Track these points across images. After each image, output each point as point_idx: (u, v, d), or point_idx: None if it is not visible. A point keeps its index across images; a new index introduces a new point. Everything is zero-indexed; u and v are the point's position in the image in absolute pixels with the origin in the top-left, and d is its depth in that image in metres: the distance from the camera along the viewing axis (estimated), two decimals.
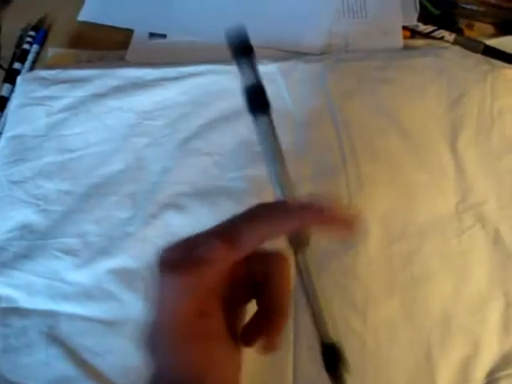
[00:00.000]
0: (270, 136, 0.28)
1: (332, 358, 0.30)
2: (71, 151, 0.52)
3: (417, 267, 0.45)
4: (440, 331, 0.43)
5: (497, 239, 0.46)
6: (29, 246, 0.48)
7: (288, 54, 0.57)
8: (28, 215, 0.50)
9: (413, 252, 0.45)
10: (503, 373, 0.41)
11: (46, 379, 0.43)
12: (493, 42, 0.56)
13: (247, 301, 0.31)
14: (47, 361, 0.44)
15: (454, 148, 0.50)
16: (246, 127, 0.52)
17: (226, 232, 0.26)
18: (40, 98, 0.55)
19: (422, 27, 0.58)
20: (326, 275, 0.45)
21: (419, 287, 0.44)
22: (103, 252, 0.47)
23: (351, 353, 0.42)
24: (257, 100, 0.28)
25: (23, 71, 0.60)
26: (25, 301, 0.47)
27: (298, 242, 0.28)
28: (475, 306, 0.44)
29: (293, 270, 0.29)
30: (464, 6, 0.60)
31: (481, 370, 0.42)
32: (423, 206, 0.47)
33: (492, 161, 0.49)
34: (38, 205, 0.50)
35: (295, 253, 0.29)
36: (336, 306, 0.44)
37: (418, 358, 0.42)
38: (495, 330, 0.43)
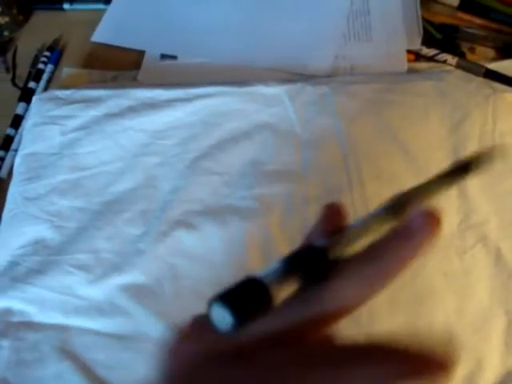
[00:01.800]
0: None
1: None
2: (84, 169, 0.54)
3: (420, 285, 0.46)
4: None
5: (498, 258, 0.47)
6: (42, 261, 0.50)
7: (295, 76, 0.59)
8: (42, 231, 0.51)
9: (416, 270, 0.47)
10: None
11: None
12: (494, 66, 0.58)
13: None
14: (59, 375, 0.45)
15: None
16: (254, 148, 0.54)
17: None
18: (55, 117, 0.57)
19: (425, 51, 0.60)
20: None
21: (422, 305, 0.46)
22: (115, 268, 0.49)
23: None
24: None
25: (38, 90, 0.62)
26: (37, 315, 0.48)
27: None
28: (478, 323, 0.45)
29: None
30: (466, 30, 0.62)
31: None
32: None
33: (494, 182, 0.51)
34: (51, 221, 0.51)
35: None
36: (342, 325, 0.45)
37: None
38: (498, 347, 0.44)
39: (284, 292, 0.20)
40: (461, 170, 0.26)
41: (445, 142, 0.53)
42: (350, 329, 0.44)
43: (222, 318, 0.18)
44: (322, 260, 0.21)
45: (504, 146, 0.52)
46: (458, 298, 0.46)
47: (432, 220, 0.23)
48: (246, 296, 0.18)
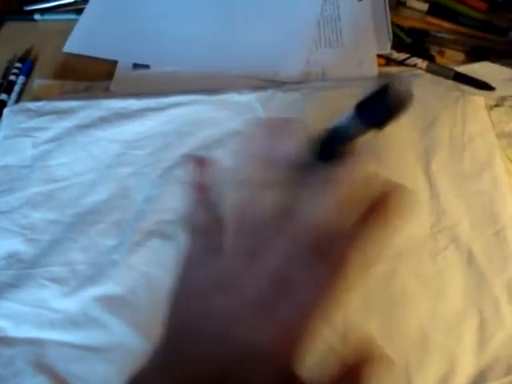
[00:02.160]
0: None
1: None
2: (57, 181, 0.53)
3: (394, 288, 0.47)
4: (417, 350, 0.44)
5: (470, 259, 0.48)
6: (16, 275, 0.49)
7: (267, 83, 0.59)
8: (15, 244, 0.51)
9: (389, 274, 0.47)
10: None
11: None
12: (463, 69, 0.58)
13: None
14: None
15: (427, 172, 0.52)
16: (227, 155, 0.54)
17: None
18: (26, 130, 0.56)
19: (395, 55, 0.60)
20: None
21: (396, 308, 0.46)
22: (90, 280, 0.48)
23: (331, 372, 0.44)
24: None
25: (10, 102, 0.61)
26: (12, 330, 0.47)
27: None
28: (451, 324, 0.45)
29: None
30: (435, 34, 0.63)
31: None
32: (399, 228, 0.49)
33: (464, 183, 0.51)
34: (24, 234, 0.51)
35: None
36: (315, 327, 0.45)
37: (396, 379, 0.44)
38: (471, 347, 0.44)
39: None
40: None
41: (416, 144, 0.53)
42: (327, 336, 0.45)
43: None
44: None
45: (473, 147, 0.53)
46: (431, 300, 0.46)
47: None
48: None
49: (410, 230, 0.49)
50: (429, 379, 0.43)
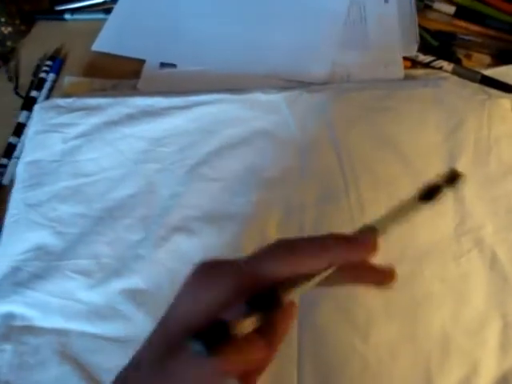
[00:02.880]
0: None
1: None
2: (85, 176, 0.55)
3: (416, 289, 0.47)
4: (439, 352, 0.44)
5: (494, 262, 0.48)
6: (44, 266, 0.50)
7: (292, 83, 0.60)
8: (43, 237, 0.52)
9: (412, 274, 0.47)
10: None
11: None
12: (490, 72, 0.58)
13: None
14: (60, 378, 0.46)
15: None
16: (252, 154, 0.54)
17: None
18: (56, 125, 0.58)
19: (421, 57, 0.60)
20: (329, 299, 0.46)
21: (419, 309, 0.46)
22: (115, 273, 0.49)
23: (354, 372, 0.44)
24: None
25: (40, 99, 0.63)
26: (39, 320, 0.48)
27: None
28: (474, 327, 0.45)
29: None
30: (462, 37, 0.63)
31: None
32: (422, 231, 0.49)
33: (489, 186, 0.51)
34: (53, 227, 0.52)
35: None
36: (339, 328, 0.45)
37: (418, 378, 0.44)
38: (493, 350, 0.44)
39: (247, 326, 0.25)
40: (430, 193, 0.31)
41: (441, 147, 0.53)
42: (349, 333, 0.45)
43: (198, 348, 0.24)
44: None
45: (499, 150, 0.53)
46: (454, 303, 0.46)
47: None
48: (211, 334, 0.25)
49: (433, 232, 0.49)
50: (451, 381, 0.43)
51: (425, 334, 0.45)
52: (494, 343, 0.45)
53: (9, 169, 0.58)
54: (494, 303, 0.46)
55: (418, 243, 0.49)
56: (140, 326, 0.47)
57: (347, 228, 0.49)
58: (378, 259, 0.47)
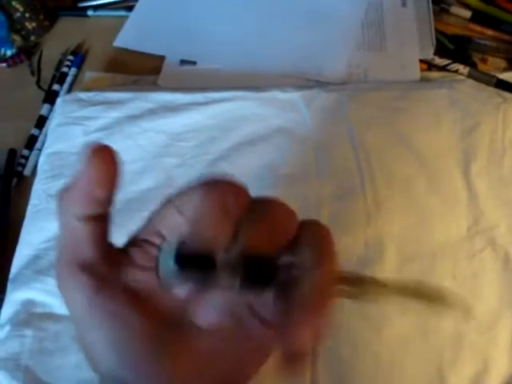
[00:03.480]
0: None
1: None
2: None
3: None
4: (452, 348, 0.45)
5: (506, 262, 0.48)
6: None
7: (310, 82, 0.61)
8: None
9: (426, 272, 0.48)
10: None
11: (78, 381, 0.46)
12: (505, 76, 0.59)
13: None
14: (78, 364, 0.46)
15: (466, 175, 0.52)
16: (270, 151, 0.55)
17: None
18: (78, 118, 0.59)
19: (437, 60, 0.61)
20: None
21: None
22: None
23: (366, 367, 0.45)
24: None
25: (61, 93, 0.64)
26: (58, 307, 0.49)
27: None
28: (486, 325, 0.46)
29: None
30: (478, 41, 0.63)
31: None
32: (436, 229, 0.50)
33: (503, 188, 0.52)
34: None
35: None
36: (353, 322, 0.46)
37: (430, 374, 0.44)
38: (505, 348, 0.45)
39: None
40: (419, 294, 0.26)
41: (455, 148, 0.54)
42: (363, 328, 0.46)
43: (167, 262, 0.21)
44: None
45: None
46: (466, 300, 0.47)
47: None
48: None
49: (447, 231, 0.50)
50: (462, 377, 0.44)
51: (437, 330, 0.46)
52: (505, 341, 0.45)
53: (30, 160, 0.60)
54: (506, 302, 0.47)
55: (432, 241, 0.49)
56: None
57: (363, 225, 0.50)
58: (393, 256, 0.49)
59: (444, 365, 0.44)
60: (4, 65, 0.67)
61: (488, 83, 0.59)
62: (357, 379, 0.45)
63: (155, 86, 0.63)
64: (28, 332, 0.48)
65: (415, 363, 0.45)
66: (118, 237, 0.52)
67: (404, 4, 0.66)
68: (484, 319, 0.46)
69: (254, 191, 0.53)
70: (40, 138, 0.61)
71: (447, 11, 0.66)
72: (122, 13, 0.71)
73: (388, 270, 0.48)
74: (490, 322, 0.46)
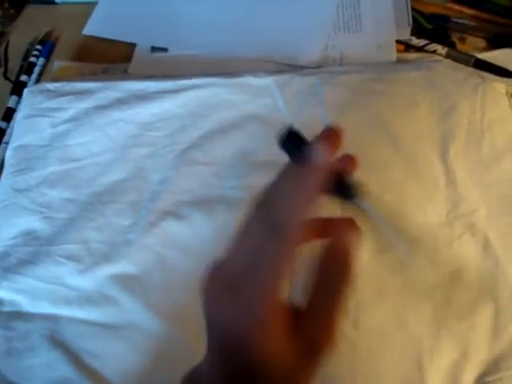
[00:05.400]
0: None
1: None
2: (74, 161, 0.54)
3: (407, 273, 0.46)
4: (430, 336, 0.44)
5: (486, 246, 0.47)
6: (32, 251, 0.50)
7: (284, 67, 0.59)
8: (32, 222, 0.51)
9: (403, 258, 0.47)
10: (493, 377, 0.42)
11: (48, 381, 0.45)
12: (484, 56, 0.58)
13: None
14: (49, 363, 0.45)
15: (444, 158, 0.51)
16: (243, 138, 0.54)
17: None
18: (45, 110, 0.57)
19: (415, 41, 0.60)
20: None
21: (410, 293, 0.46)
22: (105, 258, 0.49)
23: (343, 358, 0.44)
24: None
25: (29, 83, 0.62)
26: (28, 305, 0.48)
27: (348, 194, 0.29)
28: (465, 311, 0.45)
29: None
30: (456, 20, 0.62)
31: (470, 375, 0.43)
32: (414, 215, 0.49)
33: (482, 171, 0.51)
34: (41, 212, 0.52)
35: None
36: None
37: (408, 363, 0.43)
38: (485, 335, 0.44)
39: None
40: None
41: (433, 130, 0.53)
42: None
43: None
44: None
45: (492, 135, 0.52)
46: (445, 287, 0.46)
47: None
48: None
49: (425, 216, 0.49)
50: (441, 365, 0.43)
51: (415, 318, 0.45)
52: (485, 328, 0.44)
53: None
54: (486, 288, 0.46)
55: (410, 227, 0.48)
56: (129, 311, 0.47)
57: (338, 211, 0.49)
58: (370, 243, 0.47)
59: (423, 353, 0.43)
60: None
61: (467, 63, 0.57)
62: (334, 371, 0.44)
63: (125, 75, 0.61)
64: None
65: (393, 353, 0.44)
66: (88, 230, 0.51)
67: None
68: (463, 306, 0.45)
69: (227, 179, 0.52)
70: (8, 131, 0.59)
71: None
72: None
73: (365, 258, 0.47)
74: (470, 309, 0.45)
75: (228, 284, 0.25)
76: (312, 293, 0.28)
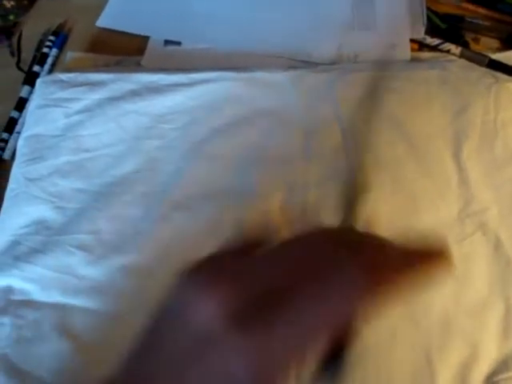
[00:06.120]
0: None
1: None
2: (87, 151, 0.54)
3: None
4: (440, 334, 0.44)
5: (497, 246, 0.47)
6: (43, 241, 0.50)
7: (298, 63, 0.59)
8: (43, 212, 0.51)
9: None
10: (502, 376, 0.42)
11: (56, 370, 0.45)
12: (498, 56, 0.57)
13: None
14: (58, 352, 0.45)
15: (457, 157, 0.51)
16: (255, 133, 0.54)
17: None
18: (58, 100, 0.57)
19: (429, 40, 0.60)
20: None
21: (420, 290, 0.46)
22: (115, 249, 0.49)
23: (353, 355, 0.44)
24: None
25: (42, 74, 0.62)
26: (38, 294, 0.48)
27: None
28: (475, 309, 0.45)
29: None
30: (470, 20, 0.62)
31: (479, 373, 0.43)
32: (426, 213, 0.49)
33: (494, 170, 0.51)
34: (53, 202, 0.52)
35: None
36: None
37: (418, 360, 0.43)
38: (495, 333, 0.44)
39: None
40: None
41: (446, 129, 0.53)
42: None
43: None
44: None
45: (505, 135, 0.52)
46: (455, 285, 0.46)
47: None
48: None
49: (436, 215, 0.49)
50: (450, 363, 0.43)
51: (425, 315, 0.45)
52: (495, 326, 0.44)
53: (10, 143, 0.58)
54: (497, 286, 0.46)
55: (421, 225, 0.48)
56: (138, 302, 0.47)
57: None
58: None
59: (432, 350, 0.43)
60: None
61: (480, 63, 0.57)
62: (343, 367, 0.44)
63: (138, 67, 0.61)
64: (6, 320, 0.47)
65: (403, 349, 0.44)
66: (99, 221, 0.51)
67: None
68: (474, 304, 0.45)
69: (240, 174, 0.52)
70: (20, 121, 0.59)
71: None
72: None
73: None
74: (480, 307, 0.45)
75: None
76: None
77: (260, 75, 0.57)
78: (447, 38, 0.59)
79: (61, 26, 0.66)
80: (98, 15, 0.65)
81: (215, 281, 0.22)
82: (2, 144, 0.58)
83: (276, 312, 0.21)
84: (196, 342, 0.21)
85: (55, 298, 0.48)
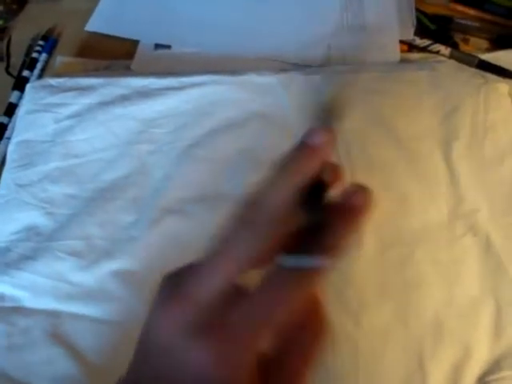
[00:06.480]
0: None
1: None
2: (77, 156, 0.54)
3: (409, 273, 0.46)
4: (432, 336, 0.44)
5: (488, 247, 0.47)
6: (34, 247, 0.50)
7: (288, 65, 0.59)
8: (34, 218, 0.51)
9: (405, 258, 0.47)
10: (493, 377, 0.43)
11: (49, 378, 0.44)
12: (487, 57, 0.58)
13: None
14: (50, 360, 0.45)
15: (447, 158, 0.51)
16: (246, 136, 0.54)
17: None
18: (48, 105, 0.57)
19: (418, 41, 0.60)
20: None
21: (412, 292, 0.46)
22: (107, 254, 0.49)
23: (344, 357, 0.44)
24: None
25: (32, 79, 0.62)
26: (29, 301, 0.48)
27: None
28: (467, 311, 0.45)
29: None
30: (460, 21, 0.62)
31: (471, 375, 0.43)
32: (416, 214, 0.49)
33: (485, 171, 0.51)
34: (43, 208, 0.52)
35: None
36: (331, 312, 0.45)
37: (410, 362, 0.43)
38: (486, 334, 0.44)
39: None
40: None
41: (436, 130, 0.53)
42: (340, 316, 0.45)
43: None
44: None
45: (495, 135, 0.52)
46: (446, 286, 0.46)
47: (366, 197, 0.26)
48: None
49: (427, 216, 0.49)
50: (442, 366, 0.43)
51: (417, 317, 0.45)
52: (486, 327, 0.44)
53: (0, 149, 0.58)
54: (488, 287, 0.46)
55: (411, 227, 0.48)
56: (131, 308, 0.47)
57: None
58: (372, 242, 0.47)
59: (424, 352, 0.43)
60: None
61: (470, 64, 0.57)
62: (336, 370, 0.44)
63: (129, 71, 0.61)
64: None
65: (395, 351, 0.44)
66: (90, 226, 0.51)
67: None
68: (464, 306, 0.45)
69: (231, 177, 0.52)
70: (10, 126, 0.59)
71: None
72: None
73: (367, 256, 0.47)
74: (471, 308, 0.45)
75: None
76: (281, 341, 0.25)
77: (250, 78, 0.57)
78: (437, 39, 0.59)
79: (50, 31, 0.66)
80: (87, 19, 0.65)
81: (175, 297, 0.24)
82: None
83: (226, 312, 0.23)
84: (166, 352, 0.23)
85: (47, 304, 0.47)
